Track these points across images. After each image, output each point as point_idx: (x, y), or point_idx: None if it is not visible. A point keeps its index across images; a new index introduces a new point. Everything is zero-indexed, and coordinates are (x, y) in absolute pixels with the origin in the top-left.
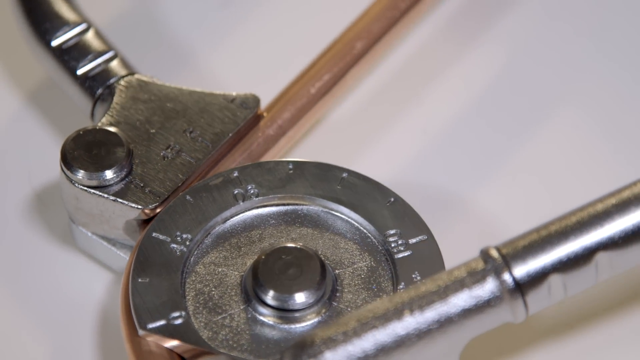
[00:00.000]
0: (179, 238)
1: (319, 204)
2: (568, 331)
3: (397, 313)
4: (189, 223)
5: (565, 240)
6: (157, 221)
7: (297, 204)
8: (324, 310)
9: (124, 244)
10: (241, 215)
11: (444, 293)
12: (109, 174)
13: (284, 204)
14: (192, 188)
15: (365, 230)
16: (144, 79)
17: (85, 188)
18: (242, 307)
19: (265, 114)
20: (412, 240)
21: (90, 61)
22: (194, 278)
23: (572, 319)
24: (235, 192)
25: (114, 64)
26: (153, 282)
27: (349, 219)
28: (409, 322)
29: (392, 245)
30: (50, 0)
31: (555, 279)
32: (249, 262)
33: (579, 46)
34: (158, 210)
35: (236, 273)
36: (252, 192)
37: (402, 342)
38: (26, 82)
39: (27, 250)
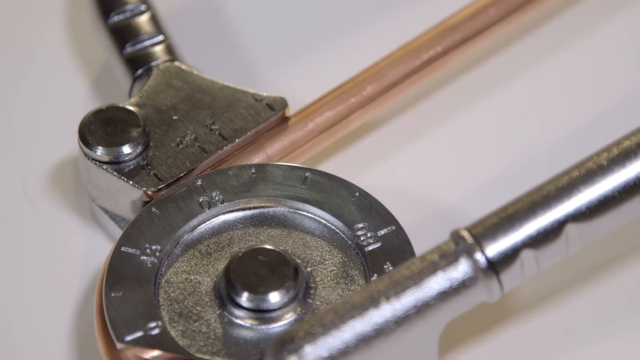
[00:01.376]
0: (148, 250)
1: (285, 205)
2: (542, 305)
3: (373, 302)
4: (157, 234)
5: (534, 215)
6: (125, 235)
7: (263, 207)
8: (299, 309)
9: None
10: (208, 222)
11: (418, 278)
12: (119, 151)
13: (249, 208)
14: (156, 200)
15: (333, 227)
16: (183, 67)
17: (95, 162)
18: (217, 313)
19: (292, 118)
20: (381, 232)
21: (138, 43)
22: (167, 288)
23: (545, 293)
24: (200, 200)
25: (159, 49)
26: (127, 295)
27: (316, 217)
28: (387, 310)
29: (362, 238)
30: None
31: (527, 255)
32: (221, 268)
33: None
34: (162, 193)
35: (209, 279)
36: (217, 198)
37: (381, 330)
38: (90, 56)
39: (51, 214)
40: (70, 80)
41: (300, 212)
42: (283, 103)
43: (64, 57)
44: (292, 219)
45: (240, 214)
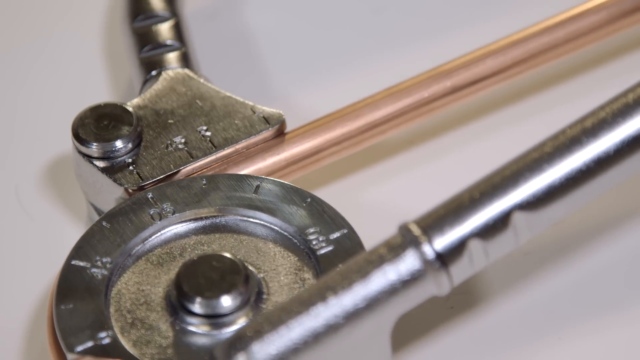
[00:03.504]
0: (99, 262)
1: (237, 214)
2: (534, 309)
3: (321, 297)
4: (107, 247)
5: (481, 205)
6: (75, 249)
7: (214, 216)
8: (252, 314)
9: None
10: (159, 234)
11: (365, 272)
12: (107, 147)
13: (201, 218)
14: (107, 214)
15: (285, 232)
16: (191, 74)
17: (84, 156)
18: (169, 321)
19: (287, 135)
20: (333, 236)
21: (156, 47)
22: (118, 298)
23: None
24: (151, 212)
25: (174, 55)
26: (77, 306)
27: (268, 224)
28: (334, 305)
29: (314, 242)
30: None
31: (475, 246)
32: (172, 278)
33: None
34: (143, 191)
35: (160, 289)
36: (168, 210)
37: (329, 326)
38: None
39: (45, 205)
40: (98, 76)
41: (251, 219)
42: (279, 118)
43: (94, 54)
44: (244, 227)
45: (192, 224)
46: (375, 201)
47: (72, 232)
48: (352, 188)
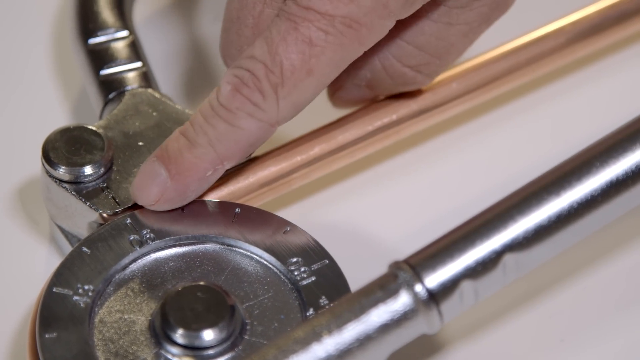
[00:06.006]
0: (80, 290)
1: (217, 241)
2: (537, 312)
3: (315, 336)
4: (88, 274)
5: (472, 245)
6: (56, 276)
7: (194, 244)
8: (236, 345)
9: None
10: (140, 260)
11: (359, 311)
12: (79, 171)
13: (180, 245)
14: (86, 239)
15: (266, 262)
16: (156, 94)
17: (55, 180)
18: (154, 351)
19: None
20: (315, 266)
21: (114, 67)
22: (101, 328)
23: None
24: (131, 238)
25: (134, 75)
26: (61, 336)
27: (249, 253)
28: (329, 344)
29: (296, 273)
30: (101, 4)
31: (466, 285)
32: (155, 306)
33: None
34: (118, 217)
35: (143, 318)
36: (147, 236)
37: None
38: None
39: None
40: (50, 98)
41: (232, 248)
42: None
43: (45, 75)
44: (224, 255)
45: (172, 251)
46: (334, 219)
47: (36, 254)
48: (314, 206)
